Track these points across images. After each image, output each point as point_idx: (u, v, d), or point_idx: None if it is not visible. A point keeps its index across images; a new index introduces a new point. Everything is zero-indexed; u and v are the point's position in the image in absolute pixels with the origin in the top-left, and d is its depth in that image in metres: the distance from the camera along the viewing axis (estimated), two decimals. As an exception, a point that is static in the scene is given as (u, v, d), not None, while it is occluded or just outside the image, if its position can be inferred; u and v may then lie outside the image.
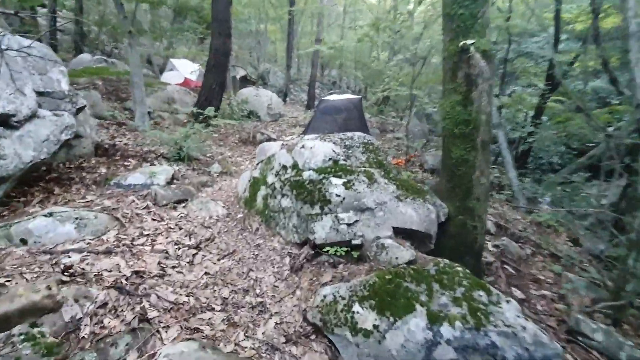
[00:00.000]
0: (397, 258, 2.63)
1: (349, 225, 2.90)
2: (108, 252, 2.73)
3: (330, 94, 7.15)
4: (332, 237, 2.90)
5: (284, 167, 3.59)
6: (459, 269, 2.57)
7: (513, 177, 7.66)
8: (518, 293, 3.90)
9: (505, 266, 4.31)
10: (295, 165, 3.48)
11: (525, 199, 7.73)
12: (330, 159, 3.35)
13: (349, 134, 3.87)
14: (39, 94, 3.64)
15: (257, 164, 4.10)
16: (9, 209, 3.19)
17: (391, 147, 9.46)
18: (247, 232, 3.59)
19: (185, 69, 13.66)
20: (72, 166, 4.26)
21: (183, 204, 3.93)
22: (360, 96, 7.27)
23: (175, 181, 4.40)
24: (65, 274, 2.31)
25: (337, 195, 3.01)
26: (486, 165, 3.39)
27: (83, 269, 2.44)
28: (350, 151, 3.56)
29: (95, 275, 2.39)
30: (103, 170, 4.29)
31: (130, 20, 7.22)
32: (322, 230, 2.95)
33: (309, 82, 18.39)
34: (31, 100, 3.33)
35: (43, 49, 3.90)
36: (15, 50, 3.45)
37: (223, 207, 4.04)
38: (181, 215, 3.70)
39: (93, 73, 9.64)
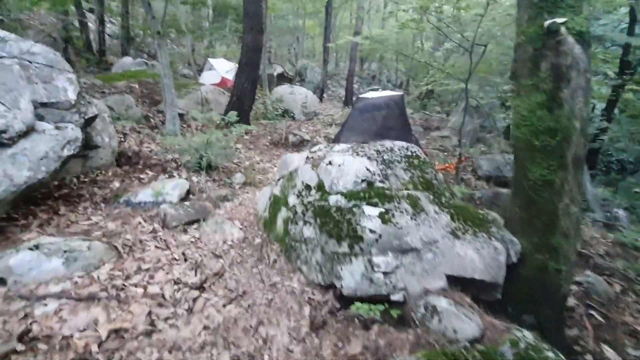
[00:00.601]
0: (455, 331, 1.84)
1: (386, 274, 2.15)
2: (91, 299, 2.23)
3: (369, 90, 6.33)
4: (363, 289, 2.17)
5: (307, 187, 2.89)
6: (550, 354, 1.72)
7: (587, 182, 6.35)
8: (611, 353, 2.91)
9: (592, 312, 3.30)
10: (320, 186, 2.77)
11: (603, 211, 6.40)
12: (363, 180, 2.59)
13: (388, 144, 3.08)
14: (42, 104, 3.26)
15: (278, 180, 3.45)
16: (1, 236, 2.83)
17: (436, 147, 8.43)
18: (263, 264, 2.96)
19: (222, 68, 13.45)
20: (86, 180, 3.91)
21: (196, 225, 3.40)
22: (402, 92, 6.36)
23: (191, 196, 3.89)
24: (24, 339, 1.82)
25: (372, 231, 2.27)
26: (578, 189, 2.45)
27: (51, 327, 1.94)
28: (389, 169, 2.77)
29: (62, 338, 1.88)
30: (116, 184, 3.89)
31: (160, 21, 6.86)
32: (350, 277, 2.22)
33: (347, 77, 17.52)
34: (27, 113, 2.94)
35: (49, 54, 3.53)
36: (13, 58, 3.08)
37: (240, 228, 3.45)
38: (191, 239, 3.16)
39: (131, 76, 9.61)
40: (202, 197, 3.95)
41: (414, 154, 3.01)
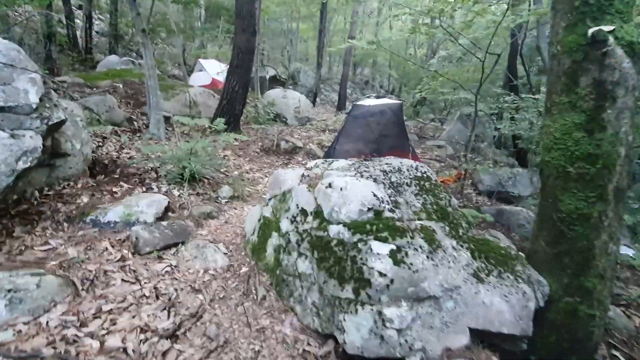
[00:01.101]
0: (491, 416, 1.44)
1: (400, 331, 1.74)
2: (33, 357, 1.76)
3: (366, 97, 5.96)
4: (372, 348, 1.76)
5: (303, 213, 2.47)
6: None
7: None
8: (644, 405, 2.57)
9: (615, 352, 2.96)
10: (318, 213, 2.36)
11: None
12: (370, 209, 2.18)
13: (395, 163, 2.69)
14: (-5, 108, 2.77)
15: (269, 199, 3.02)
16: None
17: (433, 157, 8.11)
18: (250, 300, 2.52)
19: (213, 69, 12.95)
20: (50, 193, 3.40)
21: (173, 250, 2.93)
22: (400, 101, 6.00)
23: (170, 214, 3.42)
24: None
25: (381, 274, 1.86)
26: (619, 224, 2.09)
27: (-31, 406, 1.48)
28: (398, 194, 2.37)
29: None
30: (85, 199, 3.39)
31: (147, 18, 6.39)
32: (356, 332, 1.81)
33: (340, 81, 17.18)
34: (-29, 119, 2.45)
35: (11, 52, 3.02)
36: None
37: (225, 253, 3.01)
38: (166, 269, 2.70)
39: (116, 75, 9.05)
40: (183, 214, 3.49)
41: (425, 174, 2.62)
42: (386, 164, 2.69)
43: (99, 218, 3.05)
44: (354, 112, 5.42)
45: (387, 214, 2.18)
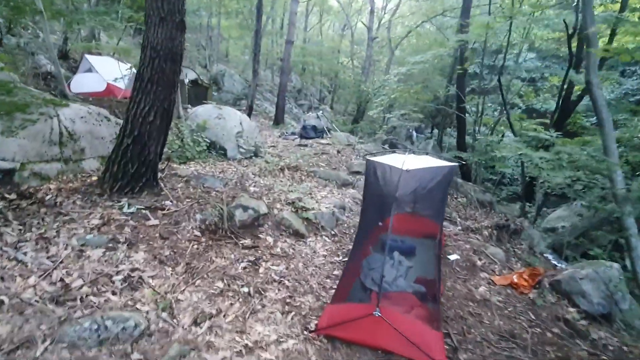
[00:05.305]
0: None
1: None
2: None
3: (404, 153, 3.29)
4: None
5: None
6: None
7: None
8: None
9: None
10: None
11: None
12: None
13: None
14: None
15: None
16: None
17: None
18: None
19: (107, 71, 8.54)
20: None
21: None
22: (454, 164, 3.52)
23: None
24: None
25: None
26: None
27: None
28: None
29: None
30: None
31: None
32: None
33: (278, 91, 14.08)
34: None
35: None
36: None
37: None
38: None
39: None
40: None
41: None
42: None
43: None
44: (401, 193, 2.76)
45: None
